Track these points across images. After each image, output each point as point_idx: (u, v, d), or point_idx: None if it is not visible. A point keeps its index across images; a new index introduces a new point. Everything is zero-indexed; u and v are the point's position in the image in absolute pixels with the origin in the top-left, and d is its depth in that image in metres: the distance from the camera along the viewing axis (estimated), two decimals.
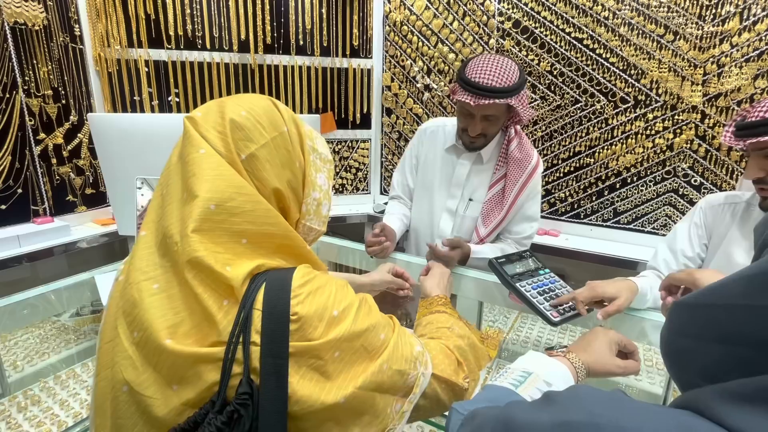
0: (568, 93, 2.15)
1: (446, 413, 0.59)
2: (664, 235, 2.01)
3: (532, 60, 2.18)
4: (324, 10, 2.40)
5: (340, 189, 2.71)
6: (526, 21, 2.16)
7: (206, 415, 0.49)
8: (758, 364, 0.30)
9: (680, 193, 2.03)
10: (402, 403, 0.60)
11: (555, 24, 2.10)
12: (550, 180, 2.28)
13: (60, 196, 2.06)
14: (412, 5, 2.40)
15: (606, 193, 2.18)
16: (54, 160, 2.01)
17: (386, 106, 2.62)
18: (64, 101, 2.03)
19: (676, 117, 1.97)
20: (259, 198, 0.56)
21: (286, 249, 0.59)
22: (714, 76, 1.87)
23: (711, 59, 1.86)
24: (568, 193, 2.27)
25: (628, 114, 2.05)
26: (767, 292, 0.30)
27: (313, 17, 2.40)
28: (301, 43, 2.42)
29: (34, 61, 1.90)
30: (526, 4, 2.14)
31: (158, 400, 0.51)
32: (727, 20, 1.81)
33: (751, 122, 0.96)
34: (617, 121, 2.08)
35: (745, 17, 1.78)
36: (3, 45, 1.80)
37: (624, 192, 2.14)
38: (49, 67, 1.95)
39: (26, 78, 1.88)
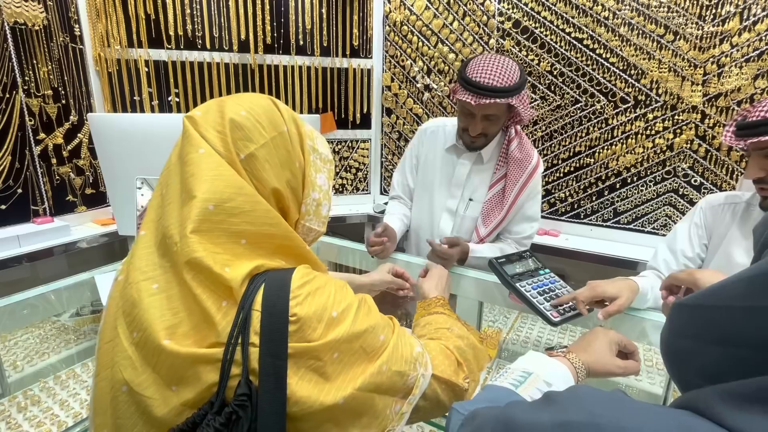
0: (568, 93, 2.15)
1: (446, 414, 0.59)
2: (664, 235, 2.01)
3: (532, 60, 2.18)
4: (324, 10, 2.40)
5: (340, 189, 2.71)
6: (526, 21, 2.16)
7: (205, 415, 0.49)
8: (758, 365, 0.30)
9: (680, 193, 2.03)
10: (401, 404, 0.60)
11: (555, 24, 2.10)
12: (550, 180, 2.28)
13: (60, 196, 2.06)
14: (412, 5, 2.40)
15: (606, 193, 2.18)
16: (54, 160, 2.01)
17: (386, 106, 2.62)
18: (64, 101, 2.03)
19: (676, 117, 1.97)
20: (259, 198, 0.56)
21: (285, 249, 0.59)
22: (714, 76, 1.87)
23: (711, 59, 1.86)
24: (568, 193, 2.27)
25: (628, 114, 2.05)
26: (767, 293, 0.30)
27: (313, 17, 2.40)
28: (301, 43, 2.42)
29: (34, 61, 1.90)
30: (526, 4, 2.14)
31: (157, 400, 0.51)
32: (727, 20, 1.81)
33: (752, 122, 0.96)
34: (617, 121, 2.08)
35: (745, 17, 1.78)
36: (3, 45, 1.80)
37: (624, 192, 2.14)
38: (49, 67, 1.95)
39: (26, 78, 1.88)
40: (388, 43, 2.52)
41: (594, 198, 2.21)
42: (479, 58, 1.30)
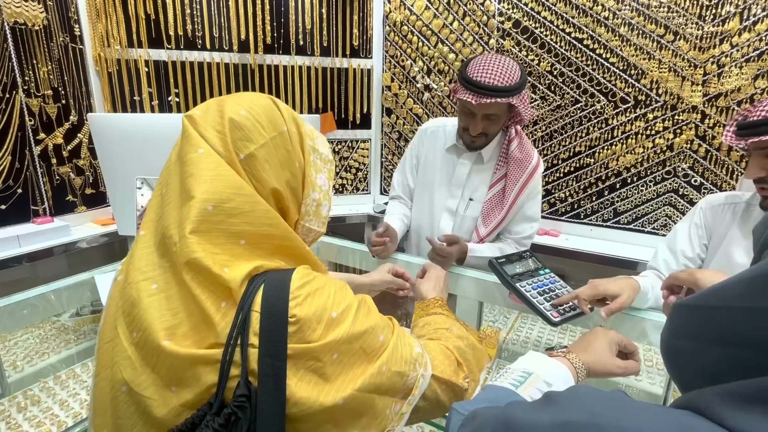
0: (568, 93, 2.15)
1: (446, 414, 0.59)
2: (664, 235, 2.01)
3: (532, 60, 2.18)
4: (324, 10, 2.40)
5: (340, 189, 2.71)
6: (526, 21, 2.16)
7: (204, 416, 0.49)
8: (758, 366, 0.30)
9: (680, 193, 2.03)
10: (401, 405, 0.60)
11: (555, 24, 2.10)
12: (550, 180, 2.28)
13: (60, 196, 2.06)
14: (412, 5, 2.40)
15: (606, 193, 2.18)
16: (54, 160, 2.01)
17: (386, 106, 2.62)
18: (64, 101, 2.03)
19: (676, 117, 1.96)
20: (258, 199, 0.56)
21: (285, 250, 0.59)
22: (714, 76, 1.87)
23: (711, 59, 1.86)
24: (568, 193, 2.26)
25: (628, 114, 2.05)
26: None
27: (313, 17, 2.40)
28: (301, 43, 2.42)
29: (34, 61, 1.90)
30: (526, 4, 2.14)
31: (157, 400, 0.51)
32: (727, 20, 1.81)
33: (753, 121, 0.96)
34: (617, 121, 2.08)
35: (745, 17, 1.78)
36: (3, 45, 1.80)
37: (624, 192, 2.14)
38: (49, 67, 1.95)
39: (26, 78, 1.88)
40: (388, 43, 2.52)
41: (594, 198, 2.21)
42: (480, 57, 1.30)
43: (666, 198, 2.06)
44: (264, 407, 0.50)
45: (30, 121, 1.91)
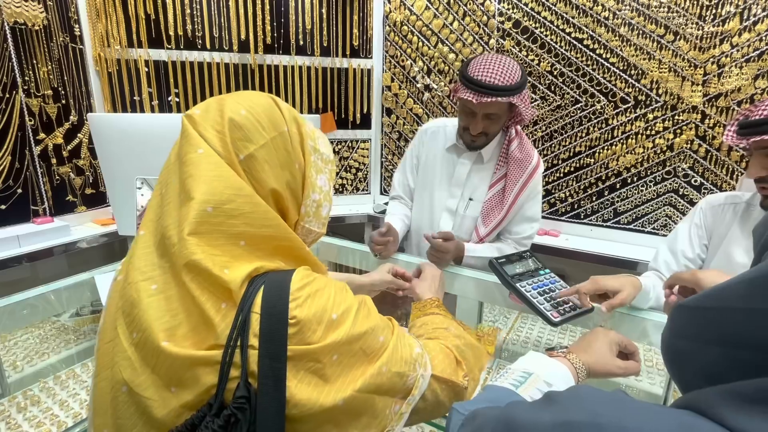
0: (568, 93, 2.15)
1: (446, 414, 0.59)
2: (664, 235, 2.02)
3: (533, 60, 2.18)
4: (324, 10, 2.40)
5: (340, 189, 2.71)
6: (526, 21, 2.16)
7: (203, 418, 0.49)
8: (759, 366, 0.30)
9: (680, 193, 2.03)
10: (401, 405, 0.59)
11: (555, 24, 2.10)
12: (550, 180, 2.28)
13: (60, 196, 2.06)
14: (412, 5, 2.40)
15: (606, 193, 2.18)
16: (54, 160, 2.01)
17: (386, 106, 2.62)
18: (64, 101, 2.03)
19: (677, 117, 1.96)
20: (258, 200, 0.56)
21: (284, 251, 0.59)
22: (714, 76, 1.87)
23: (711, 59, 1.86)
24: (568, 194, 2.26)
25: (628, 114, 2.05)
26: None
27: (313, 17, 2.40)
28: (301, 43, 2.42)
29: (34, 61, 1.90)
30: (526, 4, 2.14)
31: (157, 401, 0.50)
32: (728, 20, 1.81)
33: (755, 120, 0.97)
34: (617, 121, 2.08)
35: (745, 17, 1.78)
36: (3, 45, 1.80)
37: (624, 192, 2.14)
38: (49, 67, 1.95)
39: (26, 78, 1.88)
40: (388, 43, 2.52)
41: (594, 198, 2.21)
42: (481, 57, 1.30)
43: (666, 198, 2.06)
44: (264, 409, 0.49)
45: (30, 121, 1.91)
